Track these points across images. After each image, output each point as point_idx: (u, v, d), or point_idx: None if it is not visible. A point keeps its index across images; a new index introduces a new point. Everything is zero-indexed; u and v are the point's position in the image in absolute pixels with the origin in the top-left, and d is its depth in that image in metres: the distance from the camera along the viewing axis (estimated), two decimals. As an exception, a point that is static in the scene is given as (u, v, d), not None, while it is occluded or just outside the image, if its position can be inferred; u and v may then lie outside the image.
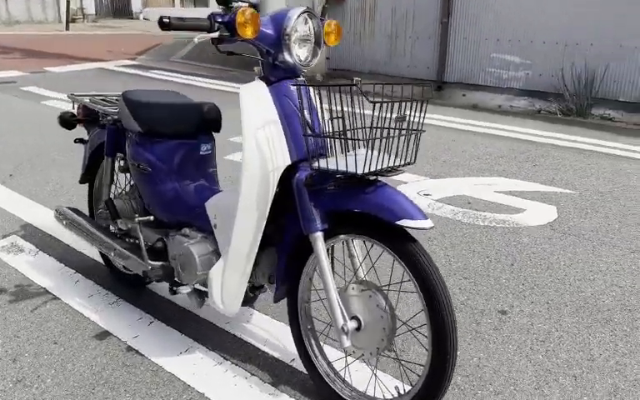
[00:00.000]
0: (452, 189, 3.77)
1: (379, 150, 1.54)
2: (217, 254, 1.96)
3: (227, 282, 1.81)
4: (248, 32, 1.63)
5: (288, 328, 2.19)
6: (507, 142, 5.12)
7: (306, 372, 1.92)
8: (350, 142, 1.62)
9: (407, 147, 1.58)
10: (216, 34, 1.64)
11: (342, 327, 1.65)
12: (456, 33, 7.77)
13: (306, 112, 1.71)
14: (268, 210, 1.73)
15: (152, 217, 2.12)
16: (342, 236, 1.72)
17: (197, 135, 2.11)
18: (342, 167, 1.56)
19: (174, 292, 2.07)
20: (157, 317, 2.30)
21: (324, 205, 1.67)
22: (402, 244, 1.58)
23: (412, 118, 1.54)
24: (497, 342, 2.14)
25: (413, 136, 1.57)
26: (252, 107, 1.69)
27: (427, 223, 1.52)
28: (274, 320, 2.28)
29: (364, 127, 1.61)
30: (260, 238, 1.77)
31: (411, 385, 1.67)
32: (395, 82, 1.53)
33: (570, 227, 3.19)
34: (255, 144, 1.67)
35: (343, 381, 1.83)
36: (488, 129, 5.60)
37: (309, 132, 1.66)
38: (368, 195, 1.58)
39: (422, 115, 1.57)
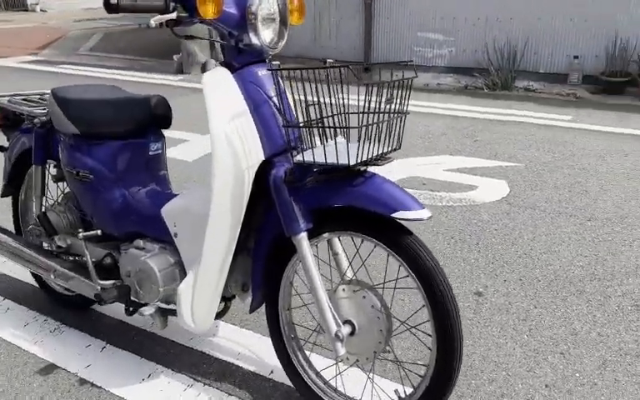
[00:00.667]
0: (404, 171, 3.71)
1: (364, 138, 1.40)
2: (180, 266, 1.74)
3: (198, 297, 1.61)
4: (210, 12, 1.43)
5: (261, 338, 2.02)
6: (444, 119, 5.16)
7: (289, 385, 1.77)
8: (328, 131, 1.47)
9: (393, 132, 1.45)
10: (173, 15, 1.42)
11: (336, 334, 1.50)
12: (380, 13, 7.76)
13: (276, 100, 1.54)
14: (244, 213, 1.55)
15: (99, 231, 1.86)
16: (326, 234, 1.57)
17: (144, 133, 1.86)
18: (331, 160, 1.40)
19: (132, 313, 1.83)
20: (110, 342, 2.04)
21: (308, 202, 1.51)
22: (397, 238, 1.45)
23: (394, 101, 1.41)
24: (479, 326, 2.09)
25: (398, 119, 1.45)
26: (217, 98, 1.49)
27: (425, 213, 1.40)
28: (244, 330, 2.10)
29: (344, 113, 1.46)
30: (235, 245, 1.58)
31: (413, 387, 1.56)
32: (316, 66, 1.38)
33: (524, 201, 3.22)
34: (225, 140, 1.47)
35: (335, 390, 1.69)
36: (423, 108, 5.62)
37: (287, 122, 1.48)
38: (358, 187, 1.44)
39: (408, 95, 1.45)
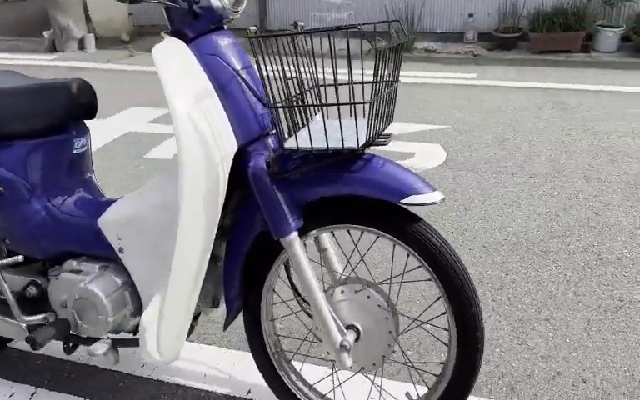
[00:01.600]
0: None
1: (369, 113, 1.18)
2: (129, 286, 1.42)
3: (167, 323, 1.30)
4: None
5: (227, 352, 1.77)
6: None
7: None
8: (308, 111, 1.23)
9: (390, 105, 1.25)
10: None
11: (342, 344, 1.29)
12: (275, -23, 7.46)
13: (245, 74, 1.27)
14: (219, 217, 1.26)
15: (20, 257, 1.47)
16: (314, 231, 1.33)
17: (65, 128, 1.49)
18: (334, 143, 1.15)
19: (72, 351, 1.49)
20: (41, 384, 1.67)
21: (298, 196, 1.26)
22: (405, 226, 1.25)
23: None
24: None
25: (394, 90, 1.26)
26: (175, 76, 1.18)
27: (437, 195, 1.21)
28: (204, 345, 1.81)
29: (317, 87, 1.23)
30: (209, 255, 1.30)
31: (427, 387, 1.39)
32: (312, 31, 1.17)
33: (464, 163, 3.17)
34: (192, 127, 1.17)
35: (334, 403, 1.49)
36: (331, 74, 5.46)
37: (271, 101, 1.20)
38: (360, 173, 1.21)
39: (400, 61, 1.26)
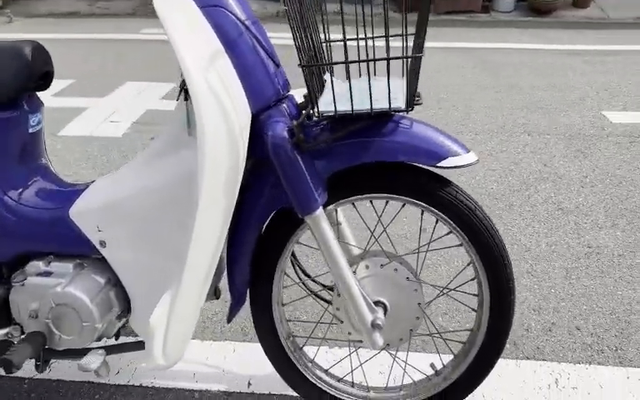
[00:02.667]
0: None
1: (409, 72, 1.06)
2: (114, 286, 1.22)
3: (177, 323, 1.12)
4: None
5: (214, 345, 1.61)
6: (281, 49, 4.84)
7: (277, 392, 1.41)
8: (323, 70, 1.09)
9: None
10: None
11: (374, 323, 1.18)
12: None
13: (254, 29, 1.09)
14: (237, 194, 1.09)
15: None
16: (333, 205, 1.20)
17: (18, 101, 1.22)
18: (380, 104, 1.02)
19: (44, 368, 1.25)
20: (-3, 412, 1.40)
21: (324, 167, 1.12)
22: (438, 191, 1.16)
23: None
24: (445, 276, 1.94)
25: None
26: (184, 34, 0.98)
27: (473, 156, 1.13)
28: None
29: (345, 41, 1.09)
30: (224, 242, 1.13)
31: (454, 355, 1.33)
32: None
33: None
34: (211, 96, 0.98)
35: (353, 385, 1.38)
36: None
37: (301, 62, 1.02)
38: (392, 137, 1.09)
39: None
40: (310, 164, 1.10)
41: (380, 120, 1.10)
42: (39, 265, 1.21)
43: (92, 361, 1.15)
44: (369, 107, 1.02)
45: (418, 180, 1.15)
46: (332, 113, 1.03)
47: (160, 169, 1.15)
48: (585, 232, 2.11)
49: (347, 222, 1.36)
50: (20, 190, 1.23)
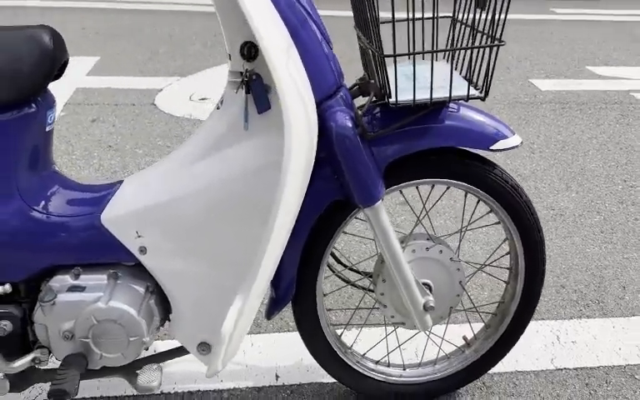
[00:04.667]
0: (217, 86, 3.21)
1: (474, 60, 1.07)
2: (154, 294, 1.13)
3: (241, 325, 1.07)
4: None
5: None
6: (201, 17, 4.62)
7: (307, 382, 1.41)
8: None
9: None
10: None
11: (426, 305, 1.21)
12: None
13: (314, 14, 1.04)
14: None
15: (7, 286, 1.04)
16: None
17: (35, 96, 1.07)
18: (460, 91, 1.02)
19: (76, 392, 1.14)
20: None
21: (383, 156, 1.11)
22: (484, 172, 1.19)
23: None
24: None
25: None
26: (267, 19, 0.91)
27: (517, 138, 1.18)
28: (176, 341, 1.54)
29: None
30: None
31: (487, 326, 1.40)
32: None
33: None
34: (292, 84, 0.93)
35: (389, 364, 1.40)
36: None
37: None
38: (446, 123, 1.11)
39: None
40: (371, 154, 1.09)
41: (435, 107, 1.11)
42: (67, 279, 1.09)
43: (152, 378, 1.07)
44: (447, 95, 1.02)
45: (465, 163, 1.18)
46: (409, 103, 1.02)
47: (208, 168, 1.07)
48: (545, 197, 2.28)
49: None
50: (43, 197, 1.09)
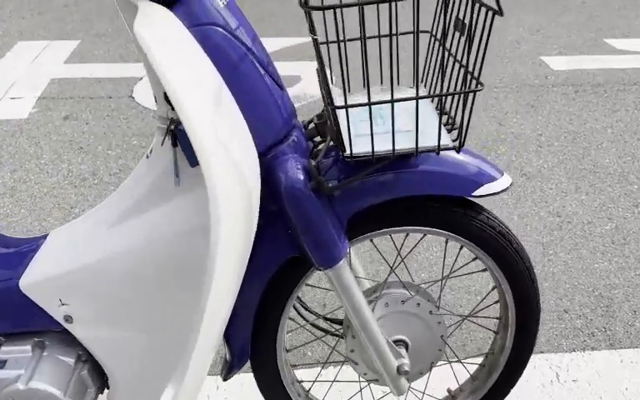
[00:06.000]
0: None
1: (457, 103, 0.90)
2: (86, 363, 1.01)
3: (185, 395, 0.95)
4: None
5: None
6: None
7: None
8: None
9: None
10: None
11: (399, 369, 1.08)
12: None
13: (255, 48, 0.88)
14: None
15: None
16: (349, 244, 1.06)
17: None
18: (426, 143, 0.86)
19: None
20: None
21: (344, 210, 0.97)
22: (466, 219, 1.04)
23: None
24: (462, 303, 1.86)
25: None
26: (178, 65, 0.75)
27: (507, 180, 1.03)
28: None
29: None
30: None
31: (473, 378, 1.27)
32: None
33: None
34: (220, 146, 0.77)
35: (364, 421, 1.29)
36: None
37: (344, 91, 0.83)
38: (418, 169, 0.96)
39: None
40: (330, 208, 0.94)
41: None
42: (-19, 356, 0.97)
43: None
44: (413, 146, 0.86)
45: (444, 209, 1.03)
46: (368, 156, 0.86)
47: (136, 226, 0.94)
48: (552, 200, 2.12)
49: (355, 252, 1.22)
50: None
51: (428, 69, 1.05)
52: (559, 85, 2.96)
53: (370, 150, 0.85)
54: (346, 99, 0.81)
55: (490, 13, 0.80)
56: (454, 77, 0.90)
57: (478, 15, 0.81)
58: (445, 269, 1.61)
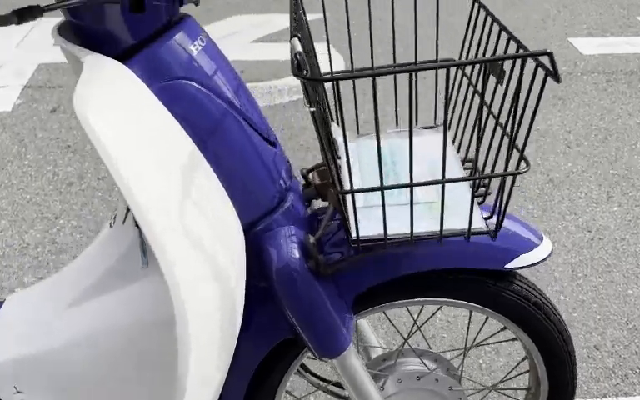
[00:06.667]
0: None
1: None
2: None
3: None
4: None
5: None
6: None
7: None
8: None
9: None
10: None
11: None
12: None
13: (239, 101, 0.72)
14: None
15: None
16: (358, 316, 0.91)
17: None
18: (453, 225, 0.70)
19: None
20: None
21: (352, 287, 0.81)
22: (496, 291, 0.89)
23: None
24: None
25: None
26: (134, 149, 0.59)
27: (546, 247, 0.86)
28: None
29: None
30: None
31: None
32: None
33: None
34: (188, 245, 0.62)
35: None
36: None
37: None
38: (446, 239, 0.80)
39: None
40: (332, 290, 0.79)
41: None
42: None
43: None
44: (436, 229, 0.70)
45: (471, 280, 0.88)
46: (378, 241, 0.70)
47: (99, 309, 0.80)
48: (582, 212, 1.95)
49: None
50: None
51: (449, 105, 0.88)
52: (589, 73, 2.74)
53: (381, 233, 0.69)
54: (352, 182, 0.65)
55: (540, 70, 0.63)
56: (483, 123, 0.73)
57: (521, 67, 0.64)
58: (469, 333, 1.44)
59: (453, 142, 0.90)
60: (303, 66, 0.55)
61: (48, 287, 0.85)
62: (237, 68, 2.88)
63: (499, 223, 0.71)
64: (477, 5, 0.82)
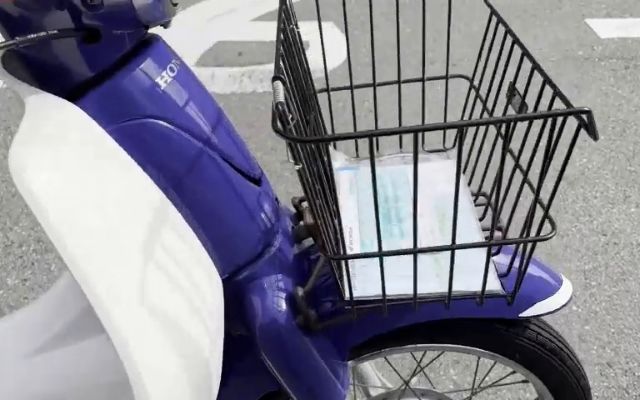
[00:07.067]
0: (201, 40, 2.73)
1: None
2: None
3: None
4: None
5: None
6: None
7: None
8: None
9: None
10: None
11: None
12: None
13: (216, 136, 0.63)
14: None
15: None
16: (354, 361, 0.83)
17: None
18: (465, 287, 0.62)
19: None
20: None
21: (349, 339, 0.74)
22: (509, 336, 0.81)
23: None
24: None
25: None
26: (89, 223, 0.50)
27: (567, 291, 0.78)
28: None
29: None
30: None
31: None
32: None
33: (367, 57, 2.66)
34: (144, 316, 0.54)
35: None
36: None
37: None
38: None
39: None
40: (324, 342, 0.71)
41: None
42: None
43: None
44: (443, 290, 0.61)
45: (480, 327, 0.80)
46: (376, 302, 0.62)
47: (55, 365, 0.73)
48: (596, 212, 1.85)
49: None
50: None
51: (460, 168, 0.79)
52: (607, 58, 2.61)
53: (379, 293, 0.61)
54: (344, 248, 0.56)
55: (572, 119, 0.54)
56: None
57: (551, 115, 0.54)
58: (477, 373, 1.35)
59: (464, 172, 0.81)
60: (286, 120, 0.46)
61: (5, 338, 0.77)
62: (235, 50, 2.78)
63: (517, 286, 0.62)
64: (494, 19, 0.72)
